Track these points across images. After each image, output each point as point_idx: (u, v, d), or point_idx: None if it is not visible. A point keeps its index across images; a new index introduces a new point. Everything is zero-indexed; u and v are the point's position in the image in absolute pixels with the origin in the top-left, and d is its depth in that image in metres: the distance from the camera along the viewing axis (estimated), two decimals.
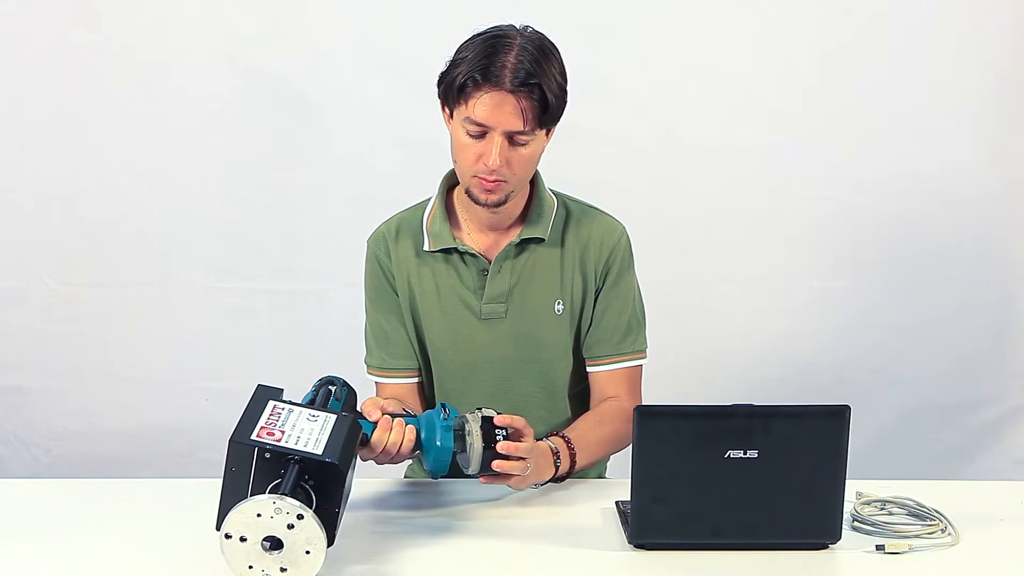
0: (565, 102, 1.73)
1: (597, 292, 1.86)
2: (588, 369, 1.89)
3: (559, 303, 1.84)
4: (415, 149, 2.76)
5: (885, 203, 2.91)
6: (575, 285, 1.85)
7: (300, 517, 1.31)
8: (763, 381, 2.88)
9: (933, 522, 1.57)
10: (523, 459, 1.57)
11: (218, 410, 2.93)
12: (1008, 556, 1.51)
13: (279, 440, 1.39)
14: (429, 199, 1.88)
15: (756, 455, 1.44)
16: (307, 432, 1.43)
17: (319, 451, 1.39)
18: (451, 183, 1.86)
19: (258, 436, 1.40)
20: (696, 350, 2.92)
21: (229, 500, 1.36)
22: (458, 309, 1.84)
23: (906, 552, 1.49)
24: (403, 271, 1.86)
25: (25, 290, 2.93)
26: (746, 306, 2.95)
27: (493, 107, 1.64)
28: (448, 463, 1.58)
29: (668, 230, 2.86)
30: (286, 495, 1.32)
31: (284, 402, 1.49)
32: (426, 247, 1.84)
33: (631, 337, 1.87)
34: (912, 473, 2.16)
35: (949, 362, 2.97)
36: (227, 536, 1.32)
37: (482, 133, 1.67)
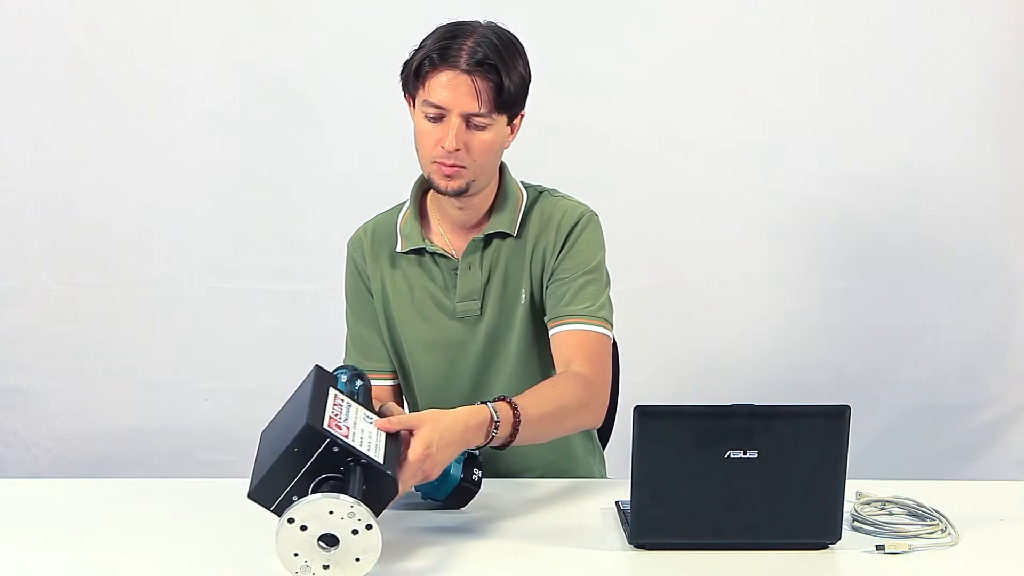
0: (526, 93, 1.73)
1: (554, 267, 1.81)
2: (549, 334, 1.81)
3: (523, 293, 1.83)
4: (414, 149, 2.75)
5: (885, 203, 2.91)
6: (534, 271, 1.83)
7: (369, 527, 1.34)
8: (763, 381, 2.88)
9: (933, 522, 1.57)
10: None
11: (218, 410, 2.96)
12: (1008, 556, 1.51)
13: (346, 436, 1.40)
14: (405, 202, 1.89)
15: (756, 455, 1.44)
16: (367, 435, 1.44)
17: (382, 461, 1.41)
18: (424, 186, 1.86)
19: (329, 427, 1.39)
20: (696, 350, 2.92)
21: (277, 477, 1.37)
22: (432, 309, 1.84)
23: (906, 552, 1.49)
24: (378, 273, 1.87)
25: (25, 290, 2.93)
26: (746, 306, 2.95)
27: (448, 87, 1.66)
28: (450, 492, 1.61)
29: (668, 230, 2.86)
30: (357, 499, 1.33)
31: (340, 392, 1.51)
32: (399, 248, 1.85)
33: (584, 301, 1.78)
34: (912, 473, 2.16)
35: (949, 362, 2.97)
36: (290, 520, 1.33)
37: (440, 116, 1.68)
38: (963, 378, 2.98)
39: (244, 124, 2.86)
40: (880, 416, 2.94)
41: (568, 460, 1.92)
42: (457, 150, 1.68)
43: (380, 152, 2.85)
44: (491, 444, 1.58)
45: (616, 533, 1.56)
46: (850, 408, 1.45)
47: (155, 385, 2.95)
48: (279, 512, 1.37)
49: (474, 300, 1.83)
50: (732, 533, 1.48)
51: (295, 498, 1.36)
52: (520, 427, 1.59)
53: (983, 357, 2.99)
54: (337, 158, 2.87)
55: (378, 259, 1.87)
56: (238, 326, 2.94)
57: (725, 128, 2.86)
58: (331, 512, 1.33)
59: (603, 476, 2.00)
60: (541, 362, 1.87)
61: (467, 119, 1.68)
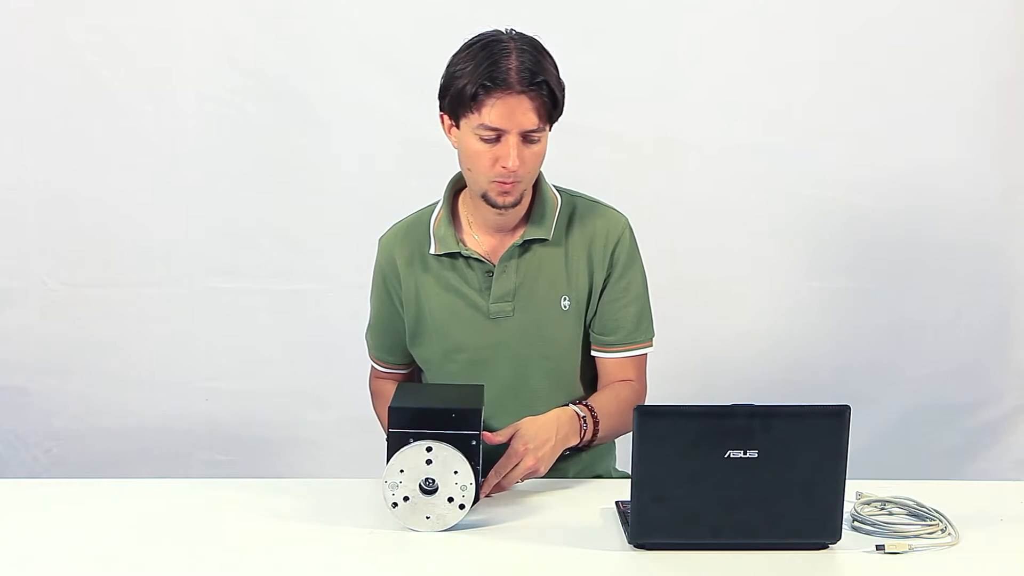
0: (565, 95, 1.78)
1: (604, 284, 1.88)
2: (595, 354, 1.91)
3: (565, 299, 1.86)
4: (414, 149, 2.76)
5: (885, 203, 2.91)
6: (580, 280, 1.87)
7: (461, 507, 1.52)
8: (763, 381, 2.88)
9: (933, 522, 1.57)
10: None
11: (218, 410, 2.95)
12: (1008, 556, 1.52)
13: (480, 446, 1.57)
14: (438, 202, 1.91)
15: (756, 455, 1.45)
16: (483, 445, 1.60)
17: (481, 478, 1.61)
18: (456, 187, 1.89)
19: (484, 433, 1.60)
20: (696, 350, 2.92)
21: (420, 417, 1.54)
22: (466, 309, 1.86)
23: (906, 552, 1.49)
24: (411, 278, 1.89)
25: (25, 290, 2.92)
26: (746, 306, 2.95)
27: (507, 110, 1.68)
28: None
29: (668, 230, 2.85)
30: (472, 491, 1.52)
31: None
32: (432, 250, 1.87)
33: (642, 327, 1.91)
34: (912, 473, 2.16)
35: (949, 362, 2.97)
36: (428, 449, 1.51)
37: (497, 137, 1.70)
38: (963, 378, 2.98)
39: (244, 124, 2.85)
40: (880, 416, 2.94)
41: (594, 456, 1.95)
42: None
43: (380, 152, 2.85)
44: (580, 442, 1.78)
45: (616, 533, 1.56)
46: (850, 408, 1.46)
47: (155, 385, 2.95)
48: (391, 439, 1.53)
49: (507, 302, 1.85)
50: (732, 533, 1.48)
51: (412, 440, 1.52)
52: (598, 428, 1.81)
53: (984, 357, 2.99)
54: (337, 158, 2.87)
55: (411, 263, 1.89)
56: (238, 326, 2.93)
57: (725, 129, 2.86)
58: (456, 472, 1.51)
59: (609, 476, 2.00)
60: (582, 366, 1.91)
61: (523, 135, 1.71)
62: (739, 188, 2.88)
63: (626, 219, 1.92)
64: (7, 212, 2.89)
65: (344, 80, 2.83)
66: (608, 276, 1.88)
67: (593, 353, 1.92)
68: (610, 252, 1.87)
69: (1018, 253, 2.96)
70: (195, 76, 2.84)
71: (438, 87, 1.78)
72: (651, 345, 1.94)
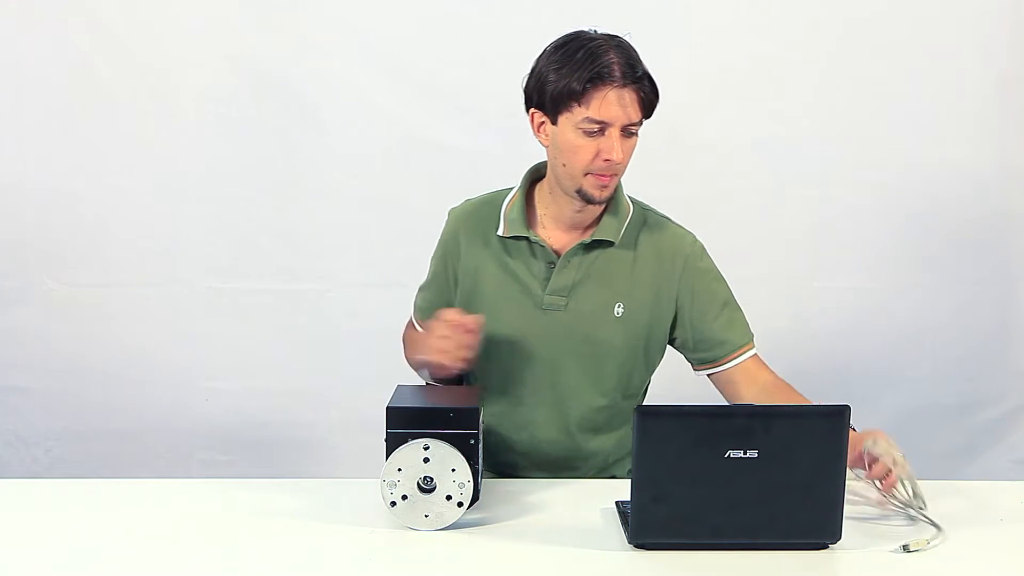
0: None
1: (687, 306, 1.88)
2: (721, 369, 1.90)
3: (620, 306, 1.87)
4: (415, 150, 2.75)
5: (885, 203, 2.91)
6: (643, 294, 1.87)
7: (460, 504, 1.52)
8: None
9: (932, 522, 1.57)
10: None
11: (218, 410, 2.95)
12: (1007, 556, 1.51)
13: (478, 445, 1.56)
14: (512, 188, 1.93)
15: (756, 455, 1.44)
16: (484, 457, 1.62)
17: (480, 480, 1.58)
18: (533, 178, 1.91)
19: (482, 434, 1.58)
20: None
21: (418, 416, 1.53)
22: (520, 296, 1.87)
23: (905, 552, 1.48)
24: (474, 253, 1.90)
25: (25, 290, 2.93)
26: (746, 306, 2.93)
27: (616, 103, 1.71)
28: None
29: None
30: (470, 488, 1.52)
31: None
32: (500, 231, 1.89)
33: (741, 330, 1.92)
34: None
35: (949, 362, 2.97)
36: (425, 447, 1.51)
37: (600, 129, 1.73)
38: (963, 378, 2.98)
39: (244, 124, 2.86)
40: (880, 416, 2.94)
41: (617, 455, 1.96)
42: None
43: (380, 152, 2.85)
44: None
45: (616, 533, 1.56)
46: (850, 408, 1.46)
47: (155, 385, 2.95)
48: (389, 439, 1.52)
49: (562, 296, 1.86)
50: (732, 533, 1.48)
51: (409, 439, 1.51)
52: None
53: (983, 357, 2.99)
54: (337, 158, 2.87)
55: (475, 240, 1.91)
56: (238, 326, 2.94)
57: (726, 128, 2.86)
58: (453, 470, 1.51)
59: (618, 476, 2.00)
60: (622, 374, 1.90)
61: (623, 128, 1.74)
62: (739, 188, 2.89)
63: (693, 236, 1.94)
64: (7, 212, 2.89)
65: (344, 80, 2.83)
66: (690, 298, 1.89)
67: (716, 372, 1.91)
68: (679, 270, 1.88)
69: (1018, 253, 2.96)
70: (195, 76, 2.84)
71: (526, 89, 1.78)
72: (754, 347, 1.93)
